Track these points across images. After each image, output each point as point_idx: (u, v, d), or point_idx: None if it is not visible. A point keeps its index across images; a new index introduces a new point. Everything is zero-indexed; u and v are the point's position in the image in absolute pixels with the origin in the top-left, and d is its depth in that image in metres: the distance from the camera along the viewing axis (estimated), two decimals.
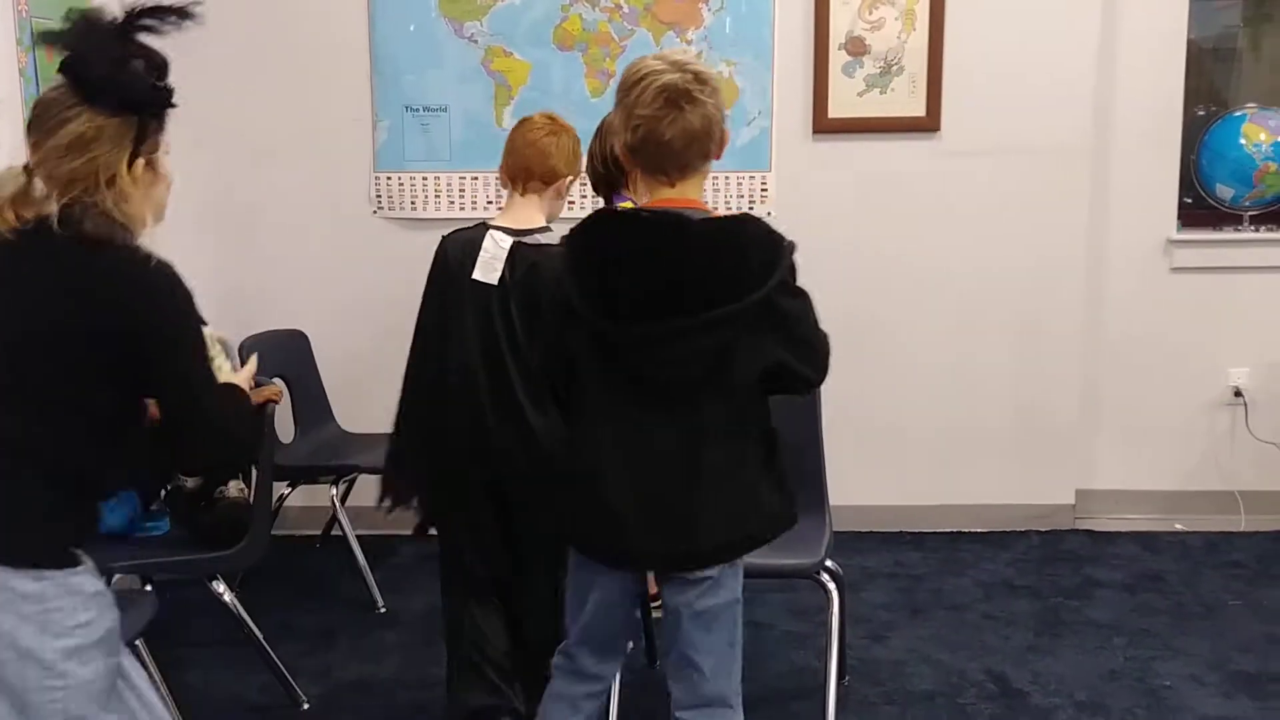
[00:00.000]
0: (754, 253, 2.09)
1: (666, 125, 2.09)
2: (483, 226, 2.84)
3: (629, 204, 3.32)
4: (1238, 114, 4.57)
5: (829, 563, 3.04)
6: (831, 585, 3.01)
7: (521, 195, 2.88)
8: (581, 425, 2.25)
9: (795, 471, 3.23)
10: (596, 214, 2.21)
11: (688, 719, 2.28)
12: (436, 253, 2.87)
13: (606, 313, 2.11)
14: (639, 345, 2.10)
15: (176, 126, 4.03)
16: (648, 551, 2.21)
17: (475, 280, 2.78)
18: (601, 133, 3.45)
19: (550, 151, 2.86)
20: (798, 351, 2.15)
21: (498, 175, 2.95)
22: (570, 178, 2.94)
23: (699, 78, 2.11)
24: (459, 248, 2.83)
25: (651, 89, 2.09)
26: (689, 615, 2.22)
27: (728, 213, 2.28)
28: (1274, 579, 4.09)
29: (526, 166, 2.86)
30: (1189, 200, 4.64)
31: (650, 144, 2.12)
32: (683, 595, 2.22)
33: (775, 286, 2.08)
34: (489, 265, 2.77)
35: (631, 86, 2.12)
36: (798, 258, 2.15)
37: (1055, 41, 4.33)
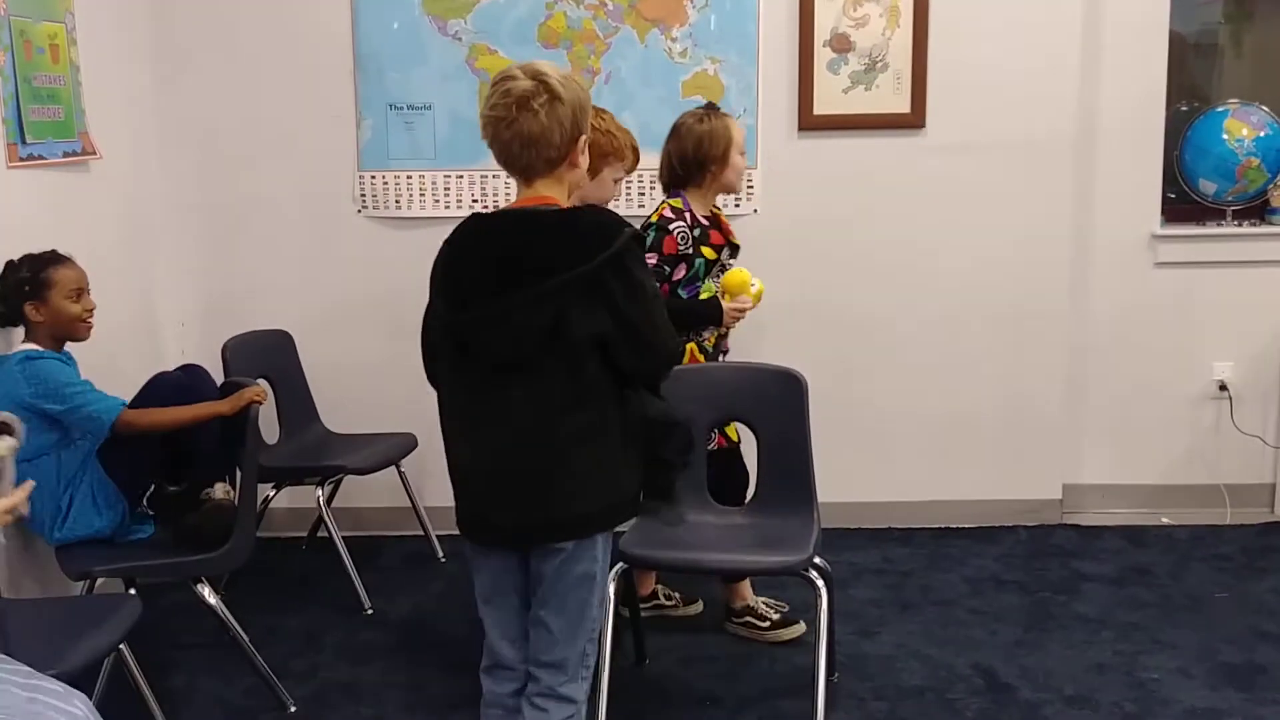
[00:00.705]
0: (590, 235, 2.25)
1: (504, 128, 2.27)
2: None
3: (677, 201, 3.48)
4: (1220, 109, 4.58)
5: (817, 559, 3.04)
6: (820, 582, 3.00)
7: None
8: (445, 413, 2.46)
9: (783, 468, 3.26)
10: (469, 216, 2.41)
11: (532, 672, 2.42)
12: None
13: (456, 304, 2.33)
14: (480, 325, 2.28)
15: (162, 124, 4.04)
16: (503, 524, 2.36)
17: None
18: (678, 133, 3.53)
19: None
20: (625, 333, 2.27)
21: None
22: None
23: (545, 87, 2.25)
24: None
25: (497, 93, 2.28)
26: (547, 581, 2.36)
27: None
28: (1259, 571, 4.10)
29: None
30: (1172, 195, 4.65)
31: (494, 145, 2.32)
32: (544, 563, 2.35)
33: (605, 262, 2.22)
34: None
35: (490, 89, 2.31)
36: (650, 257, 2.23)
37: (1038, 38, 4.34)
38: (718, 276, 3.55)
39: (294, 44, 4.39)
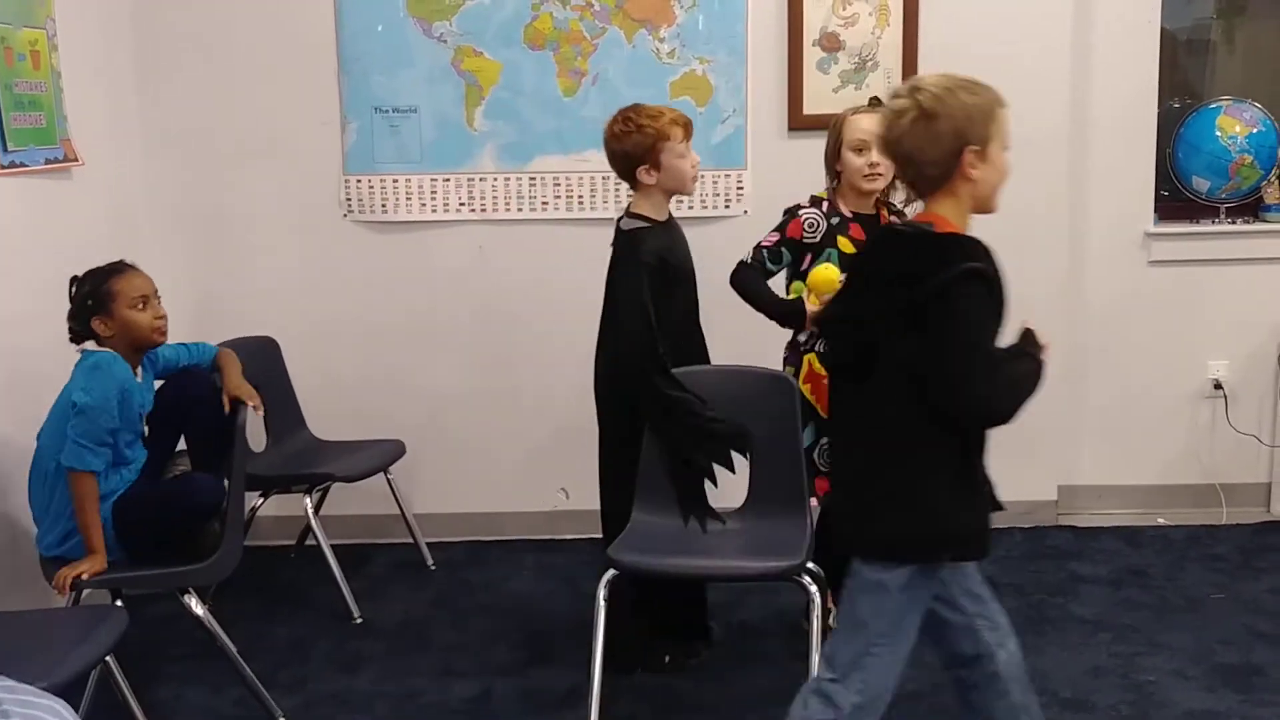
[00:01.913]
0: (921, 257, 2.30)
1: (886, 147, 2.35)
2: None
3: (823, 192, 3.46)
4: (1212, 106, 4.55)
5: (810, 564, 3.01)
6: (813, 587, 2.97)
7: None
8: None
9: (775, 472, 3.23)
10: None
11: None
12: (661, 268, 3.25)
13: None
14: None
15: (145, 130, 4.01)
16: (840, 534, 2.44)
17: None
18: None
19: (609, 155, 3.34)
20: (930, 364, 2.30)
21: None
22: (643, 166, 3.27)
23: (916, 103, 2.25)
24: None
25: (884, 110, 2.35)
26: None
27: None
28: (1256, 571, 4.08)
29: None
30: (1165, 193, 4.63)
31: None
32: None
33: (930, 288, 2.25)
34: None
35: None
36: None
37: (1029, 35, 4.31)
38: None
39: (277, 47, 4.35)
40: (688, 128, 3.31)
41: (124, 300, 3.13)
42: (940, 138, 2.22)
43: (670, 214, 3.39)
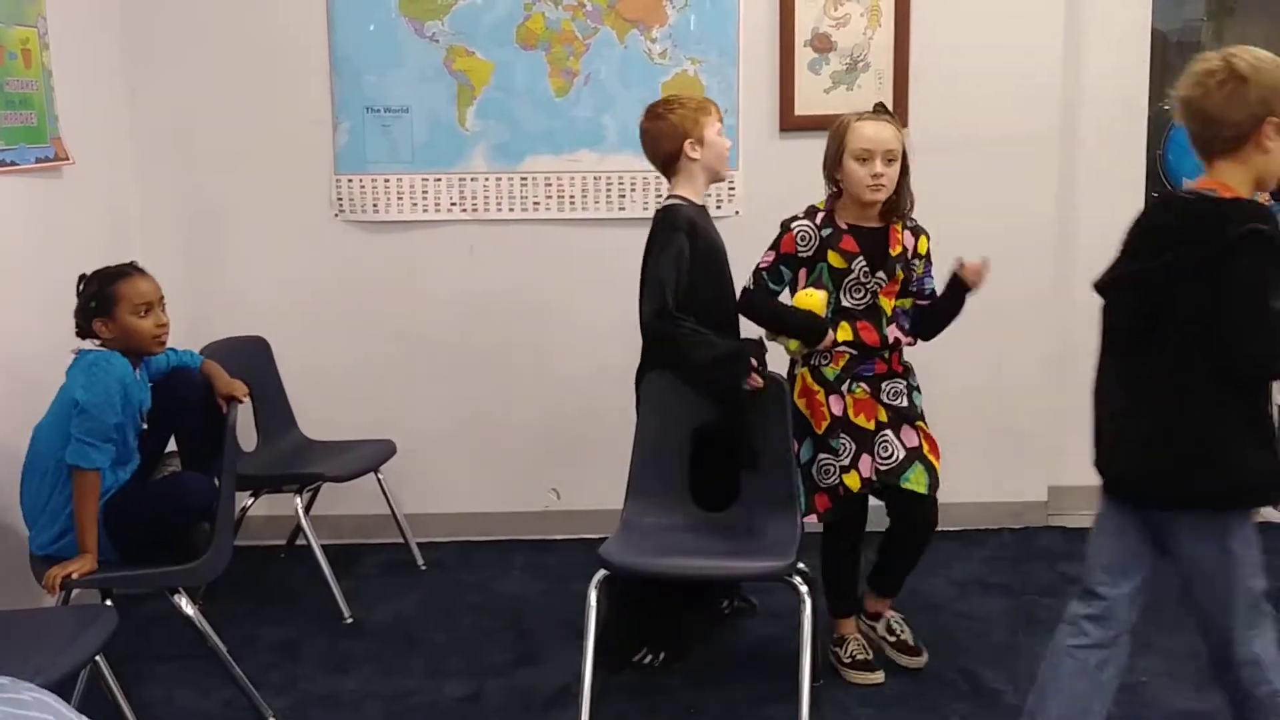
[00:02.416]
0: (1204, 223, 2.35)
1: (1186, 108, 2.38)
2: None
3: (820, 201, 3.38)
4: None
5: (800, 565, 3.02)
6: (804, 587, 2.98)
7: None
8: None
9: (765, 473, 3.23)
10: None
11: None
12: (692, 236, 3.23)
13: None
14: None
15: (136, 129, 4.01)
16: (1157, 494, 2.48)
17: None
18: None
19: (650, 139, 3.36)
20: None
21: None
22: (689, 139, 3.29)
23: (1228, 66, 2.30)
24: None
25: (1187, 74, 2.37)
26: None
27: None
28: None
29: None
30: (1156, 194, 4.63)
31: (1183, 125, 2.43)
32: None
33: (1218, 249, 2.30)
34: None
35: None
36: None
37: (1020, 36, 4.32)
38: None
39: (269, 46, 4.34)
40: (714, 107, 3.36)
41: (127, 305, 3.12)
42: (1246, 103, 2.28)
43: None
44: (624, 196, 4.35)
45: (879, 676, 3.36)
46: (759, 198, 4.37)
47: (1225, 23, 4.89)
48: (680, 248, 3.17)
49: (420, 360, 4.50)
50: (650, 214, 3.37)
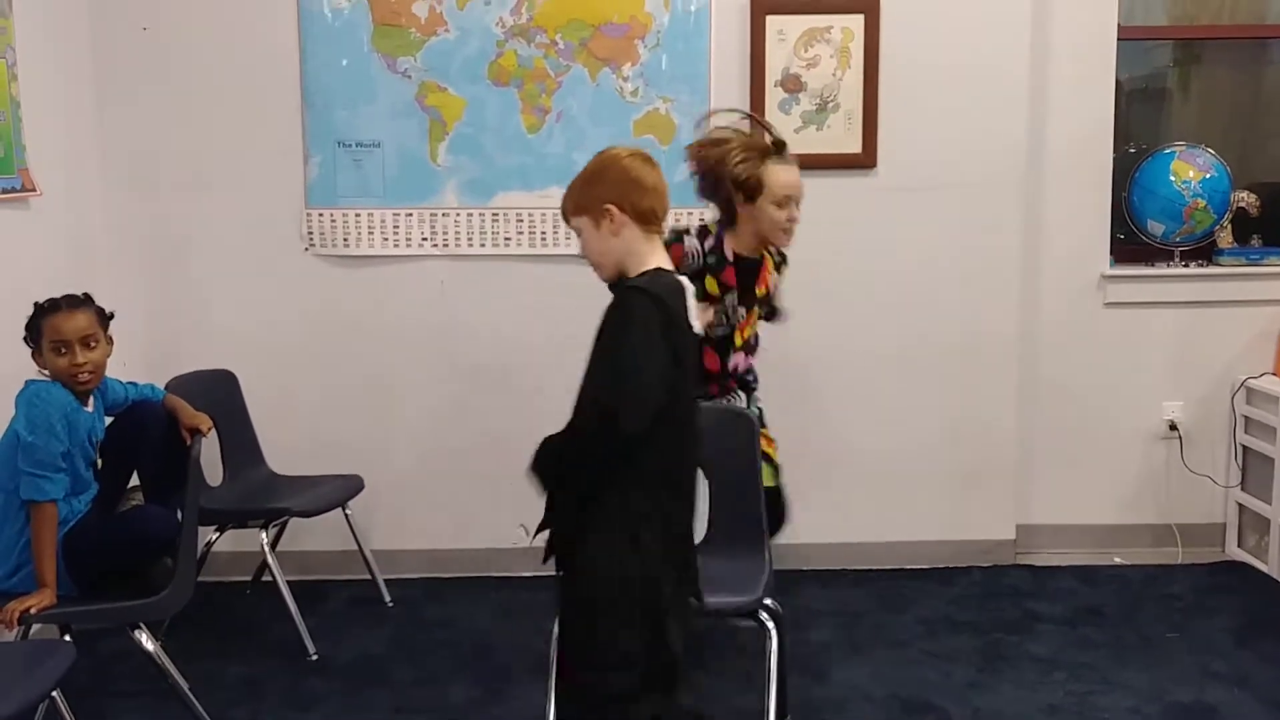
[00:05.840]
0: None
1: None
2: (662, 272, 2.56)
3: (714, 225, 3.42)
4: (1167, 151, 4.63)
5: (768, 600, 3.01)
6: (771, 624, 2.97)
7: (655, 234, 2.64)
8: None
9: (733, 508, 3.23)
10: None
11: None
12: (658, 310, 2.47)
13: None
14: None
15: (104, 160, 3.98)
16: None
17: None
18: None
19: None
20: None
21: (647, 215, 2.65)
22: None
23: None
24: (674, 298, 2.52)
25: None
26: None
27: None
28: (1209, 611, 4.10)
29: (665, 208, 2.66)
30: (1121, 236, 4.69)
31: None
32: None
33: None
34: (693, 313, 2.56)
35: None
36: None
37: (988, 80, 4.37)
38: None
39: (240, 79, 4.34)
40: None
41: (46, 342, 3.09)
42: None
43: None
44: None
45: None
46: None
47: (1190, 70, 4.96)
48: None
49: (389, 395, 4.48)
50: None
